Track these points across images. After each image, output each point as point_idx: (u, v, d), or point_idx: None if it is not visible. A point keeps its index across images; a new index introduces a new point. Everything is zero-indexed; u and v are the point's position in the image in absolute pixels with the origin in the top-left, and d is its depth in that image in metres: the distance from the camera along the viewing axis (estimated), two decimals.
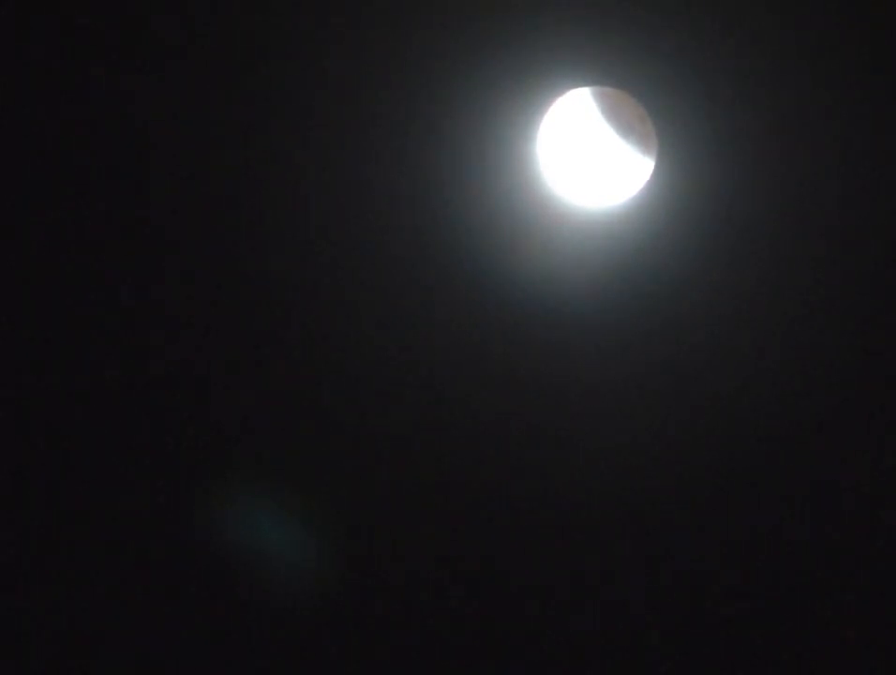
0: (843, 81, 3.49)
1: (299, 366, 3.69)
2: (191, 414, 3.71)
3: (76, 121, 3.57)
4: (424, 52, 3.50)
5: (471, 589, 3.78)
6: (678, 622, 3.78)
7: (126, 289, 3.64)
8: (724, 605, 3.76)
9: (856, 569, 3.74)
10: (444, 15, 3.49)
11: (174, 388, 3.70)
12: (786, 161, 3.54)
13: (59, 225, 3.61)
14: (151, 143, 3.57)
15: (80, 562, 3.75)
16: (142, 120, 3.57)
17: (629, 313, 3.63)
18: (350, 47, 3.52)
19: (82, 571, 3.75)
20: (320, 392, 3.71)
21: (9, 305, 3.65)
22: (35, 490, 3.73)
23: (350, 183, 3.59)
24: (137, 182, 3.60)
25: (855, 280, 3.61)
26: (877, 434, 3.69)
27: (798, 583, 3.75)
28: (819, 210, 3.57)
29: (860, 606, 3.74)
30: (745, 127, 3.51)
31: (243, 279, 3.65)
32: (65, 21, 3.53)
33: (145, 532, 3.74)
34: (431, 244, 3.61)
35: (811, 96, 3.51)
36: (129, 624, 3.77)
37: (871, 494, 3.72)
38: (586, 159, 3.56)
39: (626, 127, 3.52)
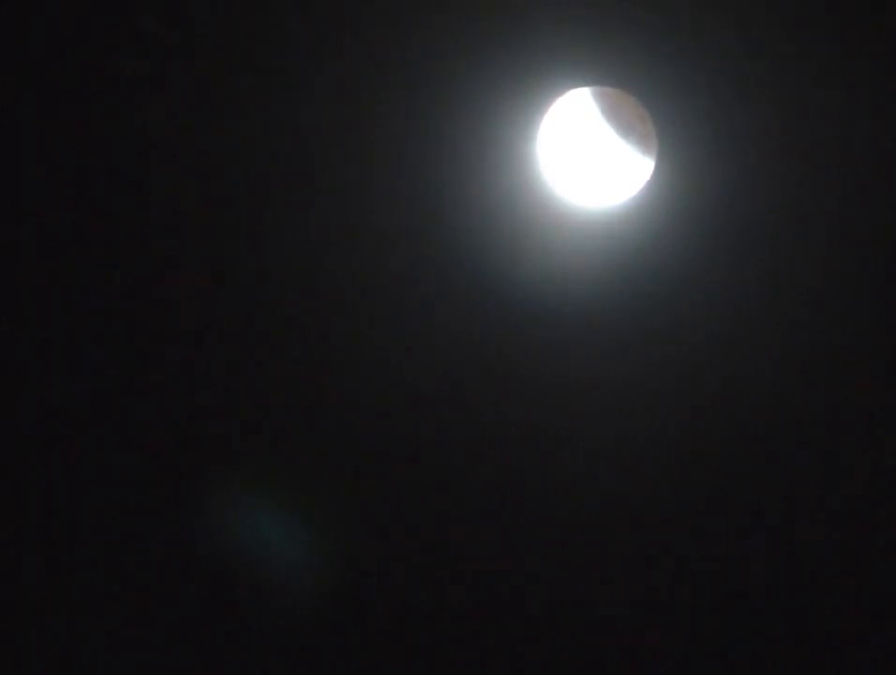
0: (843, 81, 3.49)
1: (299, 365, 3.69)
2: (191, 414, 3.71)
3: (76, 121, 3.57)
4: (424, 52, 3.50)
5: (471, 588, 3.78)
6: (678, 622, 3.78)
7: (127, 288, 3.64)
8: (724, 604, 3.76)
9: (856, 569, 3.74)
10: (444, 15, 3.49)
11: (174, 388, 3.70)
12: (786, 161, 3.54)
13: (59, 225, 3.61)
14: (151, 143, 3.57)
15: (79, 562, 3.75)
16: (142, 120, 3.56)
17: (629, 313, 3.63)
18: (351, 47, 3.52)
19: (82, 571, 3.76)
20: (320, 392, 3.71)
21: (9, 305, 3.65)
22: (34, 491, 3.73)
23: (350, 183, 3.59)
24: (136, 182, 3.60)
25: (855, 280, 3.61)
26: (878, 434, 3.69)
27: (799, 583, 3.75)
28: (819, 210, 3.57)
29: (860, 606, 3.75)
30: (745, 127, 3.51)
31: (243, 279, 3.65)
32: (65, 21, 3.53)
33: (145, 532, 3.74)
34: (431, 244, 3.61)
35: (811, 96, 3.51)
36: (129, 624, 3.77)
37: (871, 494, 3.72)
38: (586, 159, 3.56)
39: (626, 127, 3.52)
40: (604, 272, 3.60)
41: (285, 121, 3.57)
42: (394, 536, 3.77)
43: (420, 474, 3.75)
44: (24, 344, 3.67)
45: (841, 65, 3.49)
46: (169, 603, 3.77)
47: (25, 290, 3.64)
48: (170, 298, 3.65)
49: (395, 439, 3.73)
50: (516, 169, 3.56)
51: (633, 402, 3.70)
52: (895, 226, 3.58)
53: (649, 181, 3.53)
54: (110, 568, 3.75)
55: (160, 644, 3.78)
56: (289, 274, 3.64)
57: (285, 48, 3.52)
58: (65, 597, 3.76)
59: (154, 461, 3.72)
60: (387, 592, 3.78)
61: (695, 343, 3.65)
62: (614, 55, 3.48)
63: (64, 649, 3.77)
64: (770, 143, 3.53)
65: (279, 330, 3.67)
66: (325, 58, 3.53)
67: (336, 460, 3.74)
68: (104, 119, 3.57)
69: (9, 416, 3.69)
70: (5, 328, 3.65)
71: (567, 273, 3.60)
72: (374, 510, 3.76)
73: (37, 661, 3.76)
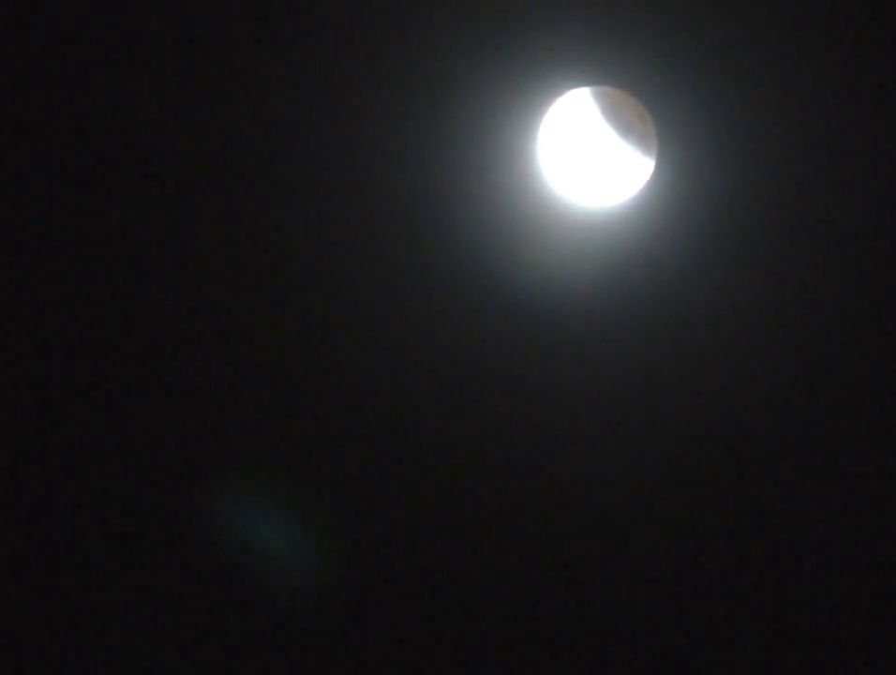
0: (843, 81, 3.49)
1: (299, 365, 3.69)
2: (191, 414, 3.71)
3: (76, 121, 3.57)
4: (424, 52, 3.50)
5: (471, 588, 3.78)
6: (678, 621, 3.78)
7: (127, 288, 3.64)
8: (724, 603, 3.76)
9: (856, 569, 3.74)
10: (444, 15, 3.49)
11: (174, 388, 3.70)
12: (786, 161, 3.54)
13: (59, 225, 3.61)
14: (150, 144, 3.57)
15: (79, 562, 3.75)
16: (142, 120, 3.56)
17: (629, 313, 3.63)
18: (351, 47, 3.52)
19: (82, 571, 3.75)
20: (320, 392, 3.71)
21: (9, 304, 3.65)
22: (34, 491, 3.73)
23: (350, 183, 3.59)
24: (137, 182, 3.60)
25: (855, 280, 3.61)
26: (878, 434, 3.69)
27: (799, 583, 3.75)
28: (819, 210, 3.57)
29: (860, 605, 3.75)
30: (745, 127, 3.51)
31: (242, 279, 3.65)
32: (65, 21, 3.53)
33: (145, 532, 3.74)
34: (431, 244, 3.61)
35: (811, 96, 3.51)
36: (129, 624, 3.77)
37: (871, 494, 3.72)
38: (586, 159, 3.56)
39: (626, 127, 3.53)
40: (604, 272, 3.60)
41: (285, 121, 3.57)
42: (394, 536, 3.77)
43: (420, 474, 3.74)
44: (24, 344, 3.67)
45: (841, 65, 3.49)
46: (169, 603, 3.77)
47: (25, 290, 3.64)
48: (170, 298, 3.65)
49: (395, 439, 3.73)
50: (516, 169, 3.56)
51: (633, 402, 3.70)
52: (895, 226, 3.58)
53: (649, 181, 3.53)
54: (109, 568, 3.75)
55: (160, 644, 3.78)
56: (289, 273, 3.64)
57: (285, 48, 3.52)
58: (65, 597, 3.76)
59: (154, 461, 3.72)
60: (387, 592, 3.78)
61: (695, 343, 3.65)
62: (614, 55, 3.48)
63: (64, 649, 3.77)
64: (770, 143, 3.53)
65: (279, 330, 3.67)
66: (325, 58, 3.53)
67: (336, 460, 3.74)
68: (104, 119, 3.57)
69: (9, 416, 3.69)
70: (5, 328, 3.65)
71: (567, 273, 3.60)
72: (374, 510, 3.76)
73: (37, 661, 3.76)
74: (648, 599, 3.77)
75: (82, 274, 3.64)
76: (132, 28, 3.53)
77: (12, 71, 3.55)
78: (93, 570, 3.76)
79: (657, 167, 3.52)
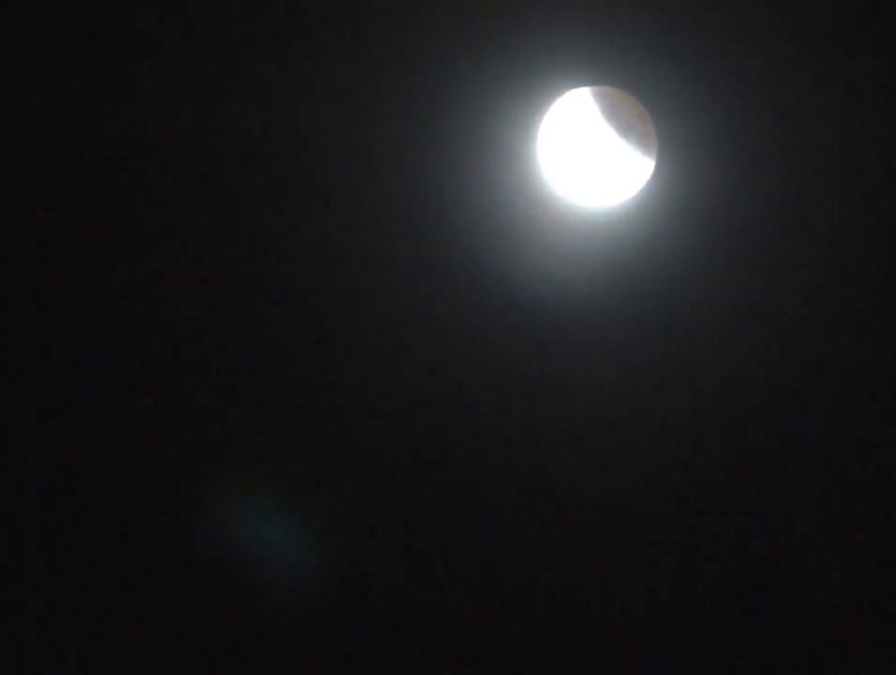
0: (844, 81, 3.49)
1: (299, 365, 3.69)
2: (191, 414, 3.71)
3: (76, 121, 3.57)
4: (424, 52, 3.50)
5: (471, 588, 3.78)
6: (678, 622, 3.78)
7: (127, 288, 3.64)
8: (725, 605, 3.76)
9: (856, 569, 3.74)
10: (444, 15, 3.49)
11: (174, 388, 3.69)
12: (786, 161, 3.54)
13: (59, 225, 3.61)
14: (150, 144, 3.57)
15: (79, 562, 3.75)
16: (142, 120, 3.56)
17: (629, 313, 3.63)
18: (351, 47, 3.52)
19: (82, 571, 3.75)
20: (320, 392, 3.71)
21: (9, 305, 3.65)
22: (34, 491, 3.73)
23: (350, 183, 3.59)
24: (136, 182, 3.60)
25: (855, 280, 3.61)
26: (878, 434, 3.69)
27: (799, 583, 3.75)
28: (819, 210, 3.57)
29: (860, 605, 3.74)
30: (745, 127, 3.51)
31: (242, 280, 3.65)
32: (65, 20, 3.53)
33: (145, 531, 3.74)
34: (431, 244, 3.61)
35: (811, 96, 3.51)
36: (129, 624, 3.77)
37: (871, 493, 3.72)
38: (586, 159, 3.56)
39: (626, 127, 3.53)
40: (604, 272, 3.60)
41: (285, 121, 3.57)
42: (394, 536, 3.77)
43: (420, 474, 3.74)
44: (24, 344, 3.66)
45: (841, 65, 3.49)
46: (168, 603, 3.76)
47: (25, 290, 3.64)
48: (170, 298, 3.65)
49: (396, 439, 3.73)
50: (516, 169, 3.56)
51: (633, 402, 3.70)
52: (895, 226, 3.58)
53: (649, 181, 3.53)
54: (109, 568, 3.75)
55: (160, 644, 3.78)
56: (288, 274, 3.64)
57: (285, 48, 3.52)
58: (65, 597, 3.75)
59: (154, 461, 3.72)
60: (387, 592, 3.78)
61: (695, 343, 3.65)
62: (614, 55, 3.48)
63: (64, 649, 3.77)
64: (770, 143, 3.53)
65: (279, 330, 3.67)
66: (325, 58, 3.53)
67: (335, 460, 3.74)
68: (104, 119, 3.57)
69: (9, 416, 3.69)
70: (5, 328, 3.65)
71: (567, 273, 3.60)
72: (374, 510, 3.76)
73: (37, 661, 3.76)
74: (648, 599, 3.77)
75: (82, 274, 3.64)
76: (132, 28, 3.53)
77: (12, 71, 3.55)
78: (93, 570, 3.76)
79: (657, 167, 3.52)
